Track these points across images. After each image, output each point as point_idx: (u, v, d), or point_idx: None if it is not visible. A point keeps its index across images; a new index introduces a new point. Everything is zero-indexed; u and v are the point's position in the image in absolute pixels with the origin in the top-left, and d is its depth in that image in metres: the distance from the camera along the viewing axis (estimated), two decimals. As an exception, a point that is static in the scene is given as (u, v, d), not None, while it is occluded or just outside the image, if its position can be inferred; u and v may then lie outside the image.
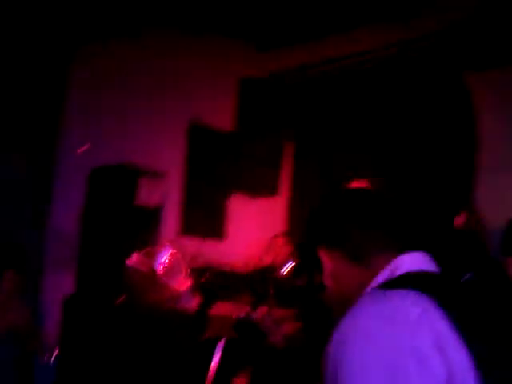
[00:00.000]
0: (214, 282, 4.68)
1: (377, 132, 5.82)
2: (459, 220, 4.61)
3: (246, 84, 6.65)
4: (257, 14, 5.95)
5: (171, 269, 4.16)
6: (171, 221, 6.15)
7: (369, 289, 1.33)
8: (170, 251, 4.21)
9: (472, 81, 5.21)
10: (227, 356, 3.73)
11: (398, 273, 1.31)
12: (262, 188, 6.76)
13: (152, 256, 4.19)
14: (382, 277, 1.32)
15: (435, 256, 1.40)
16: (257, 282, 5.20)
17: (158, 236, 5.73)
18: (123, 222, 5.29)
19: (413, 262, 1.35)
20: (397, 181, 5.44)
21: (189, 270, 4.29)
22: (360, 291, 1.33)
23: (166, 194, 5.89)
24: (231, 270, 5.62)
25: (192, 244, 5.60)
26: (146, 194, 5.44)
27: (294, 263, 4.52)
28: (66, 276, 5.40)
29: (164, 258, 4.15)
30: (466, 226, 4.59)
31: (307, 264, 4.44)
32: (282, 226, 6.67)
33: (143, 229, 5.33)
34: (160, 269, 4.13)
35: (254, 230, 6.50)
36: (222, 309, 4.38)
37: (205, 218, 6.37)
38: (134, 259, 4.17)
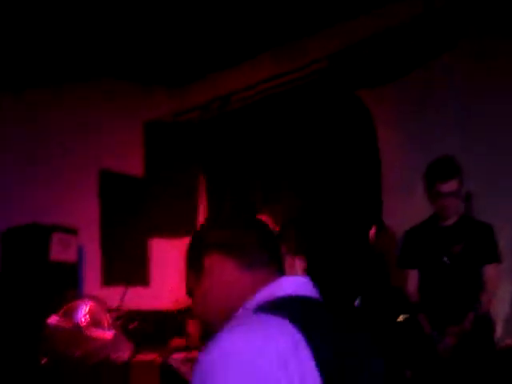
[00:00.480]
0: (142, 328, 4.66)
1: (284, 158, 5.91)
2: (370, 235, 4.71)
3: (150, 127, 6.66)
4: (159, 55, 6.02)
5: (92, 321, 4.13)
6: (93, 273, 6.08)
7: (247, 305, 1.33)
8: (89, 304, 4.18)
9: (367, 98, 5.36)
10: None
11: (279, 294, 1.31)
12: (181, 228, 6.72)
13: (72, 311, 4.15)
14: (261, 296, 1.33)
15: (332, 278, 1.38)
16: (183, 324, 5.20)
17: (79, 291, 5.65)
18: (40, 280, 5.21)
19: (295, 285, 1.36)
20: (308, 204, 5.54)
21: (111, 320, 4.27)
22: (236, 305, 1.34)
23: (83, 248, 5.81)
24: (158, 315, 5.59)
25: (116, 293, 5.54)
26: (60, 250, 5.37)
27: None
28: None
29: (83, 311, 4.12)
30: (377, 241, 4.68)
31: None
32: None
33: (62, 285, 5.24)
34: (82, 322, 4.10)
35: (177, 272, 6.46)
36: (148, 355, 4.35)
37: (127, 266, 6.29)
38: (53, 317, 4.12)
